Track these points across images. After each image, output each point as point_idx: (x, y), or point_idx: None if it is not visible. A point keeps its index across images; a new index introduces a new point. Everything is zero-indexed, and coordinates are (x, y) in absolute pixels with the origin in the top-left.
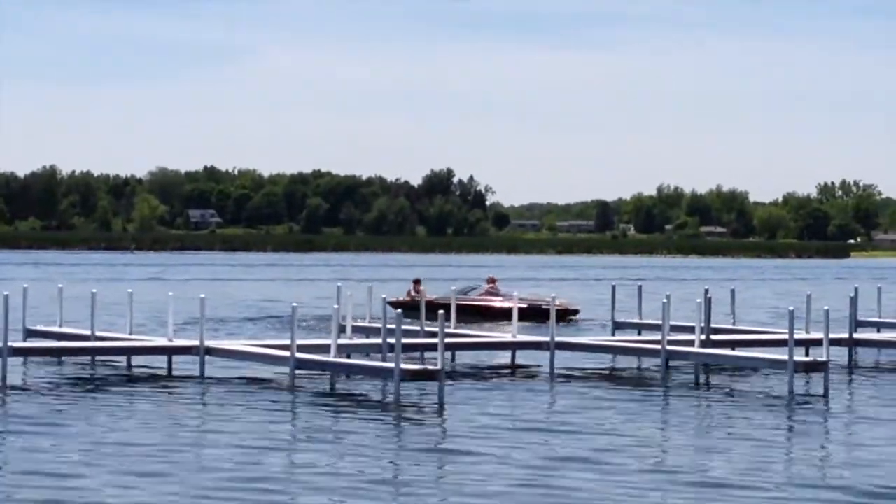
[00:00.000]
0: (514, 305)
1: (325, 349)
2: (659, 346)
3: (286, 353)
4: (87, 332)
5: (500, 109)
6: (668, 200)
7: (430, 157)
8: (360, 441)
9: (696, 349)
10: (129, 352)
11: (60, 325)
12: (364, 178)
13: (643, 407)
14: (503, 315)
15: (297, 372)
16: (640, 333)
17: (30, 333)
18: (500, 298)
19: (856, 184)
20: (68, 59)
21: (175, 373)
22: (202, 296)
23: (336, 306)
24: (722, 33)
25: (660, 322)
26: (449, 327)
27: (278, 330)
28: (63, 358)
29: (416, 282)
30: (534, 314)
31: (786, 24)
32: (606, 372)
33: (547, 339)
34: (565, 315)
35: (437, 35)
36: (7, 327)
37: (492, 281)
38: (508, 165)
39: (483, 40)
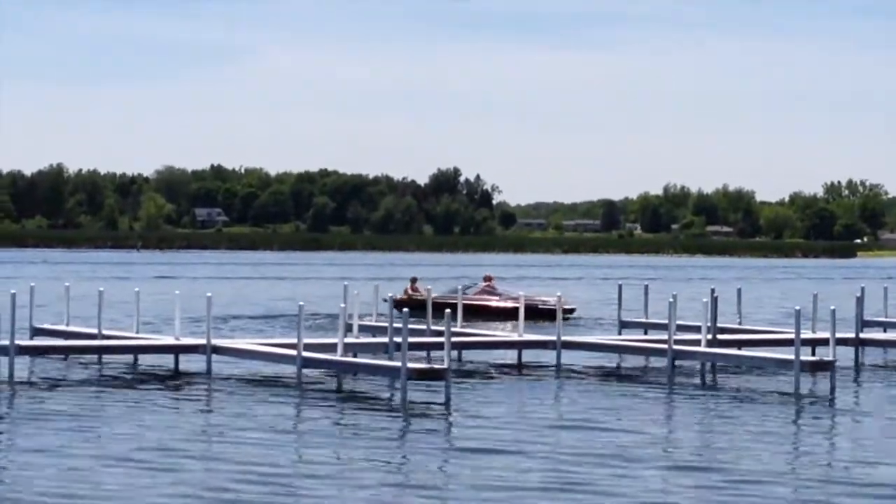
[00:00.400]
0: (520, 305)
1: (331, 348)
2: (665, 346)
3: (293, 352)
4: (94, 331)
5: (500, 109)
6: (675, 200)
7: (431, 157)
8: (368, 440)
9: (702, 349)
10: (136, 350)
11: (67, 324)
12: (371, 177)
13: (650, 405)
14: (499, 313)
15: (305, 371)
16: (646, 333)
17: (36, 332)
18: (496, 297)
19: (862, 183)
20: (68, 59)
21: (182, 371)
22: (209, 294)
23: (343, 305)
24: (722, 33)
25: (666, 321)
26: (455, 326)
27: (285, 328)
28: (70, 356)
29: (413, 280)
30: (527, 313)
31: (786, 24)
32: (613, 371)
33: (553, 337)
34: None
35: (437, 35)
36: (14, 326)
37: (488, 279)
38: (509, 165)
39: (483, 40)
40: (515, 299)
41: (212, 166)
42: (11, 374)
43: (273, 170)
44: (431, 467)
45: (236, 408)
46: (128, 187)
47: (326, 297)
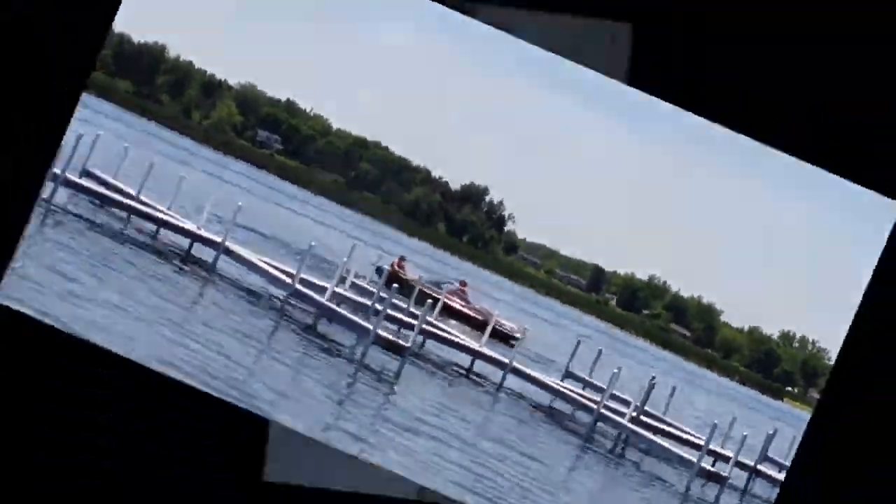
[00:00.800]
0: (491, 320)
1: (321, 290)
2: (595, 406)
3: (288, 280)
4: (134, 192)
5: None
6: (654, 291)
7: (466, 168)
8: (319, 377)
9: (624, 421)
10: (161, 223)
11: (115, 177)
12: (414, 164)
13: (563, 449)
14: (459, 317)
15: (292, 300)
16: (584, 389)
17: (86, 174)
18: (461, 302)
19: (813, 343)
20: None
21: (192, 256)
22: (240, 203)
23: (345, 259)
24: None
25: (604, 386)
26: (431, 317)
27: (289, 258)
28: (105, 205)
29: (401, 258)
30: (480, 327)
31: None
32: (544, 408)
33: (507, 360)
34: (509, 338)
35: None
36: (70, 160)
37: (463, 284)
38: (529, 203)
39: None
40: (476, 311)
41: (287, 99)
42: (51, 198)
43: (336, 124)
44: (362, 422)
45: (223, 304)
46: (213, 88)
47: (338, 250)
